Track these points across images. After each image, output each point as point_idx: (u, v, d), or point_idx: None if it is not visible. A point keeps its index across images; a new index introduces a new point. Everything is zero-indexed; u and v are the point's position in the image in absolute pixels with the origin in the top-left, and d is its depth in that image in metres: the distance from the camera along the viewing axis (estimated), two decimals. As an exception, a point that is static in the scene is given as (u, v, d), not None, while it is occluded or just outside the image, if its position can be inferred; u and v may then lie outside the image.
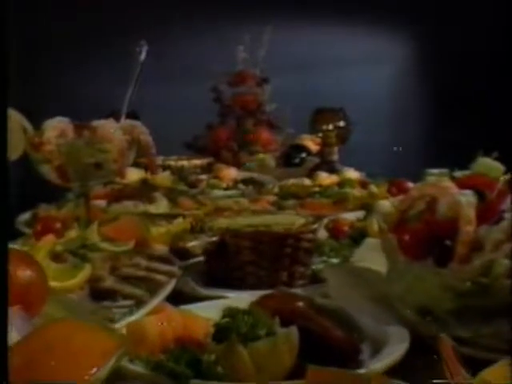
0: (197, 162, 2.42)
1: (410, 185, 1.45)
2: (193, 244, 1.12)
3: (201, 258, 1.21)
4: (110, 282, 0.99)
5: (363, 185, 2.03)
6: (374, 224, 1.44)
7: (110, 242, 1.08)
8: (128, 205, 1.79)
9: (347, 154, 2.38)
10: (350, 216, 1.65)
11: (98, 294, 1.00)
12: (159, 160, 2.42)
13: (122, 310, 0.99)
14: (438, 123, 3.79)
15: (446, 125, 3.66)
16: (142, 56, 1.36)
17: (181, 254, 1.14)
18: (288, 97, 2.70)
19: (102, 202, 1.86)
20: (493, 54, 3.62)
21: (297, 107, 2.54)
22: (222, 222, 1.21)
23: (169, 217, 1.61)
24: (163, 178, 2.19)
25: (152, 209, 1.76)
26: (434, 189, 1.00)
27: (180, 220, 1.53)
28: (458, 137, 3.42)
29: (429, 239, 0.94)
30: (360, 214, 1.68)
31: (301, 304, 0.88)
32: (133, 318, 0.90)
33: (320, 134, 2.40)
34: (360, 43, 3.71)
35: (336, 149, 2.26)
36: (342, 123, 2.45)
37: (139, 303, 0.99)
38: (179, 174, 2.31)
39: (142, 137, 1.33)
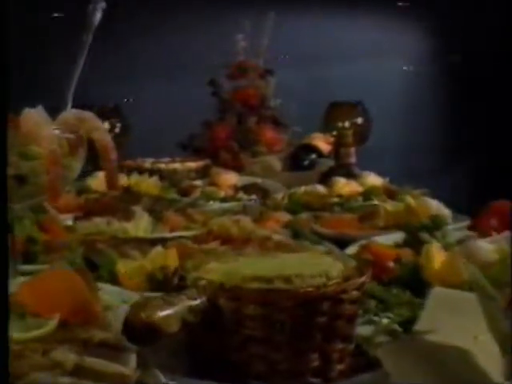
0: (192, 164, 2.08)
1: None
2: (165, 314, 0.60)
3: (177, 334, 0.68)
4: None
5: (390, 195, 1.55)
6: (432, 258, 0.94)
7: (19, 318, 0.56)
8: (100, 222, 1.33)
9: (362, 156, 1.96)
10: (386, 240, 1.15)
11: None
12: (148, 163, 1.98)
13: None
14: (454, 120, 3.34)
15: (463, 123, 3.21)
16: (97, 16, 0.84)
17: (144, 332, 0.61)
18: (294, 91, 2.44)
19: (68, 218, 1.40)
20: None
21: (304, 102, 2.27)
22: (213, 270, 0.70)
23: (145, 243, 1.12)
24: (149, 184, 1.75)
25: (130, 227, 1.29)
26: None
27: (159, 250, 1.03)
28: (477, 135, 2.99)
29: None
30: (397, 236, 1.18)
31: None
32: None
33: (334, 133, 2.08)
34: (372, 34, 3.29)
35: (353, 150, 1.89)
36: (359, 120, 2.16)
37: None
38: (170, 179, 1.86)
39: (96, 135, 0.81)
